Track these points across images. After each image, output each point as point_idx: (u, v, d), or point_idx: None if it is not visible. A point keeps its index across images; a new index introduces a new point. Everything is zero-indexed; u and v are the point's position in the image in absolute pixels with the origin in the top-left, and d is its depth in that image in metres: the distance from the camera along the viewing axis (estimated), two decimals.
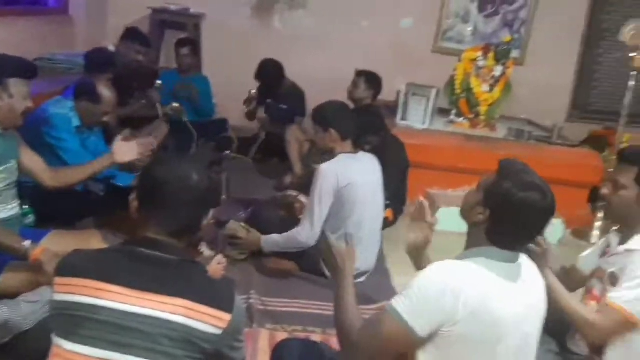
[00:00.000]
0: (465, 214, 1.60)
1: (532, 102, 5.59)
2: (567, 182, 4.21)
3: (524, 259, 1.58)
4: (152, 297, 1.30)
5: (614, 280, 1.93)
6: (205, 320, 1.32)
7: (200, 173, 1.47)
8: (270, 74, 4.83)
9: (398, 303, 1.45)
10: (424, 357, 1.46)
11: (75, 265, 1.36)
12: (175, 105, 4.54)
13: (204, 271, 1.47)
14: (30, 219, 2.70)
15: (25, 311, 1.73)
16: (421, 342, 1.44)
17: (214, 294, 1.37)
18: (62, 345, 1.30)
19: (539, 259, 1.95)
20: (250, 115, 5.07)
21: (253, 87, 4.98)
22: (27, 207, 2.67)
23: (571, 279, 2.20)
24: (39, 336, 1.61)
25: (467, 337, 1.41)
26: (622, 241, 1.97)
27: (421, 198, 2.02)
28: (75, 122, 2.99)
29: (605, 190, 1.99)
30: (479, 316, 1.40)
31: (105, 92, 2.99)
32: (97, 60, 3.65)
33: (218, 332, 1.33)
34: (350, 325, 1.58)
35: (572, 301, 1.95)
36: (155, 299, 1.30)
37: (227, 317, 1.35)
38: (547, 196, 1.47)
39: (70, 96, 3.02)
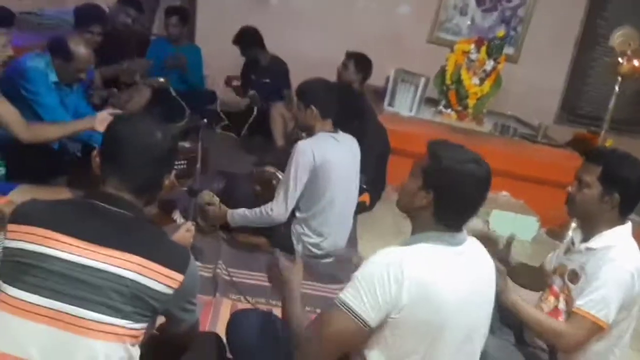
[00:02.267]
0: (406, 203, 1.58)
1: (522, 100, 5.61)
2: (546, 181, 4.25)
3: (470, 242, 1.58)
4: (104, 251, 1.30)
5: (573, 277, 1.95)
6: (158, 278, 1.32)
7: (164, 132, 1.46)
8: (247, 40, 4.82)
9: (346, 295, 1.44)
10: (371, 350, 1.46)
11: (28, 213, 1.35)
12: (161, 79, 4.49)
13: (159, 231, 1.46)
14: (1, 171, 2.68)
15: None
16: (370, 333, 1.44)
17: (168, 254, 1.37)
18: (7, 291, 1.29)
19: (500, 276, 1.95)
20: (239, 94, 5.04)
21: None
22: None
23: (537, 279, 2.21)
24: None
25: (410, 325, 1.41)
26: (584, 239, 1.99)
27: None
28: (52, 77, 2.94)
29: (569, 188, 2.01)
30: (422, 302, 1.40)
31: (79, 49, 2.92)
32: (85, 15, 3.61)
33: (169, 291, 1.33)
34: (297, 326, 1.58)
35: (539, 315, 1.95)
36: (108, 252, 1.29)
37: (179, 277, 1.34)
38: (482, 165, 1.50)
39: (48, 51, 2.97)
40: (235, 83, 4.97)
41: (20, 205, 1.38)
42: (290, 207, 2.85)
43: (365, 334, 1.44)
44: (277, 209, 2.85)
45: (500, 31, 5.25)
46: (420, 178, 1.53)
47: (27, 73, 2.84)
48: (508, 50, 5.35)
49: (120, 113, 2.73)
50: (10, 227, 1.34)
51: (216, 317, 2.40)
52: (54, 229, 1.30)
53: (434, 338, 1.44)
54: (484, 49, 4.79)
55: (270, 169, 3.49)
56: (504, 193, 4.38)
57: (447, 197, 1.49)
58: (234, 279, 2.71)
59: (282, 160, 3.57)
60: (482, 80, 4.84)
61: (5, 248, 1.33)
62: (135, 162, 1.41)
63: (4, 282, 1.30)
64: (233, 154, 4.52)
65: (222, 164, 4.06)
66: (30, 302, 1.27)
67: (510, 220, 4.01)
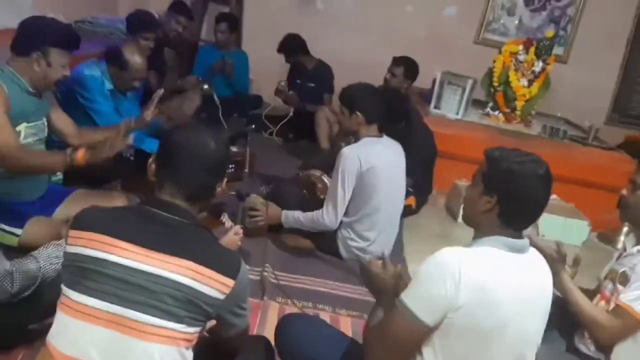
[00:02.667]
0: (470, 210, 1.60)
1: (571, 101, 5.48)
2: (596, 184, 4.15)
3: (533, 251, 1.57)
4: (160, 257, 1.34)
5: (624, 279, 1.92)
6: (210, 284, 1.35)
7: (218, 142, 1.49)
8: (291, 48, 4.86)
9: (405, 294, 1.45)
10: (427, 351, 1.46)
11: (88, 220, 1.40)
12: (205, 86, 4.59)
13: (212, 237, 1.50)
14: (59, 176, 2.78)
15: (53, 254, 1.78)
16: (428, 333, 1.44)
17: (220, 260, 1.40)
18: (70, 295, 1.34)
19: (556, 261, 1.96)
20: (280, 94, 5.09)
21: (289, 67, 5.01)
22: None
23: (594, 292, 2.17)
24: (53, 288, 1.66)
25: (466, 326, 1.41)
26: (637, 243, 1.96)
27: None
28: (108, 85, 3.04)
29: (623, 191, 1.97)
30: (480, 304, 1.40)
31: (134, 58, 3.00)
32: (138, 21, 3.68)
33: (221, 296, 1.37)
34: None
35: (585, 303, 1.95)
36: (164, 258, 1.34)
37: (230, 282, 1.37)
38: (542, 164, 1.50)
39: (104, 60, 3.07)
40: (281, 86, 4.98)
41: (81, 213, 1.43)
42: (341, 214, 2.87)
43: (424, 333, 1.44)
44: (328, 218, 2.87)
45: (549, 31, 5.15)
46: (481, 184, 1.54)
47: (84, 81, 2.94)
48: (557, 50, 5.24)
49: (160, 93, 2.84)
50: (72, 233, 1.39)
51: (264, 320, 2.43)
52: (113, 235, 1.35)
53: (488, 342, 1.44)
54: (532, 49, 4.71)
55: (316, 172, 3.52)
56: (554, 196, 4.28)
57: (511, 198, 1.49)
58: (280, 282, 2.74)
59: (328, 163, 3.60)
60: (530, 82, 4.75)
61: (66, 253, 1.39)
62: (189, 170, 1.45)
63: (66, 286, 1.36)
64: (279, 158, 4.56)
65: (269, 168, 4.10)
66: (90, 306, 1.32)
67: (560, 224, 3.93)
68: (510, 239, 1.50)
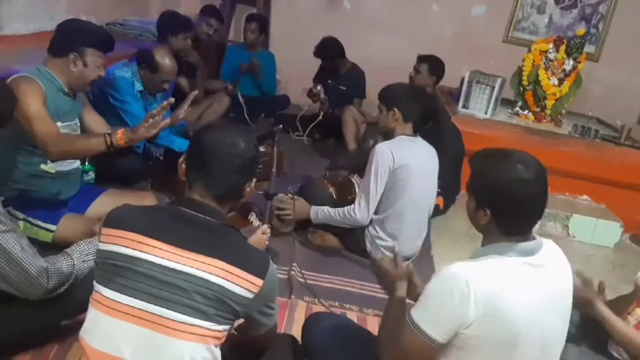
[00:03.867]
0: (472, 222, 1.56)
1: (603, 100, 5.38)
2: (629, 184, 4.07)
3: (548, 249, 1.52)
4: (191, 256, 1.36)
5: None
6: (239, 283, 1.37)
7: (247, 142, 1.51)
8: (329, 52, 4.84)
9: (415, 311, 1.44)
10: None
11: (121, 218, 1.43)
12: (230, 86, 4.66)
13: (241, 237, 1.51)
14: (91, 175, 2.84)
15: (85, 266, 1.82)
16: (441, 349, 1.42)
17: (249, 259, 1.41)
18: (102, 292, 1.37)
19: (586, 292, 1.89)
20: (313, 97, 5.09)
21: (318, 66, 5.00)
22: (88, 164, 2.81)
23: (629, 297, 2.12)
24: (86, 285, 1.70)
25: (483, 339, 1.39)
26: None
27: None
28: (138, 86, 3.10)
29: None
30: (491, 317, 1.36)
31: (164, 61, 3.05)
32: (170, 22, 3.69)
33: (250, 295, 1.38)
34: (383, 340, 1.59)
35: (626, 329, 1.88)
36: (194, 257, 1.35)
37: (259, 282, 1.39)
38: (529, 165, 1.44)
39: (135, 61, 3.12)
40: (317, 90, 4.94)
41: (114, 211, 1.46)
42: (373, 209, 2.88)
43: (436, 350, 1.42)
44: (359, 212, 2.88)
45: (580, 29, 5.05)
46: (473, 198, 1.51)
47: (115, 82, 3.00)
48: (588, 48, 5.15)
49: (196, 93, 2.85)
50: (105, 231, 1.42)
51: (291, 318, 2.44)
52: (145, 233, 1.37)
53: (508, 354, 1.41)
54: (563, 48, 4.63)
55: (343, 172, 3.53)
56: (585, 197, 4.23)
57: (503, 210, 1.45)
58: (308, 281, 2.75)
59: (355, 163, 3.60)
60: (561, 81, 4.68)
61: (99, 251, 1.42)
62: (219, 170, 1.47)
63: (99, 283, 1.39)
64: (306, 158, 4.57)
65: (296, 168, 4.12)
66: (122, 303, 1.34)
67: (591, 225, 3.87)
68: (517, 244, 1.46)
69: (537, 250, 1.48)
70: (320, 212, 3.02)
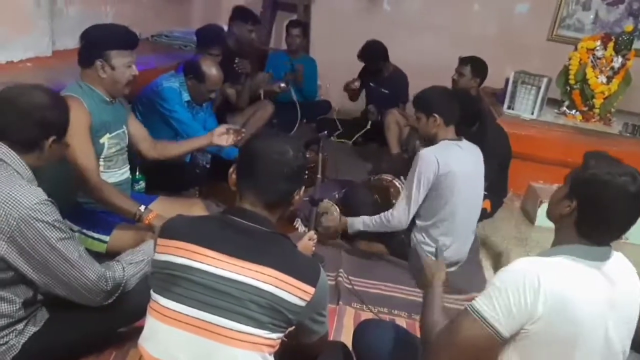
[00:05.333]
0: (552, 209, 1.55)
1: None
2: None
3: (618, 258, 1.51)
4: (244, 264, 1.37)
5: None
6: (292, 291, 1.38)
7: (296, 150, 1.52)
8: (373, 55, 4.80)
9: (479, 303, 1.42)
10: None
11: (175, 229, 1.45)
12: (282, 84, 4.66)
13: (292, 245, 1.52)
14: (141, 185, 2.90)
15: (131, 272, 1.87)
16: (503, 344, 1.41)
17: (301, 267, 1.42)
18: (159, 301, 1.40)
19: None
20: (354, 97, 5.08)
21: (358, 69, 5.00)
22: (139, 174, 2.87)
23: None
24: (139, 294, 1.74)
25: (546, 337, 1.37)
26: None
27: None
28: (185, 96, 3.16)
29: None
30: (558, 315, 1.35)
31: (211, 70, 3.10)
32: (206, 36, 3.78)
33: (302, 303, 1.39)
34: (429, 331, 1.56)
35: None
36: (247, 266, 1.37)
37: (311, 290, 1.40)
38: (637, 180, 1.40)
39: (181, 72, 3.18)
40: (355, 86, 4.94)
41: (169, 222, 1.49)
42: (412, 214, 2.85)
43: (498, 343, 1.41)
44: (397, 215, 2.86)
45: (628, 25, 4.89)
46: (568, 186, 1.49)
47: (164, 92, 3.07)
48: (637, 45, 4.98)
49: (237, 128, 2.86)
50: (160, 241, 1.45)
51: (340, 325, 2.44)
52: (199, 243, 1.39)
53: (570, 355, 1.39)
54: (611, 45, 4.49)
55: (387, 177, 3.51)
56: None
57: (590, 207, 1.44)
58: (355, 287, 2.75)
59: (398, 167, 3.58)
60: (609, 79, 4.54)
61: (155, 261, 1.45)
62: (269, 178, 1.48)
63: (156, 292, 1.42)
64: (349, 162, 4.57)
65: (340, 173, 4.13)
66: (178, 312, 1.37)
67: None
68: (589, 247, 1.44)
69: (607, 257, 1.47)
70: (356, 222, 2.99)
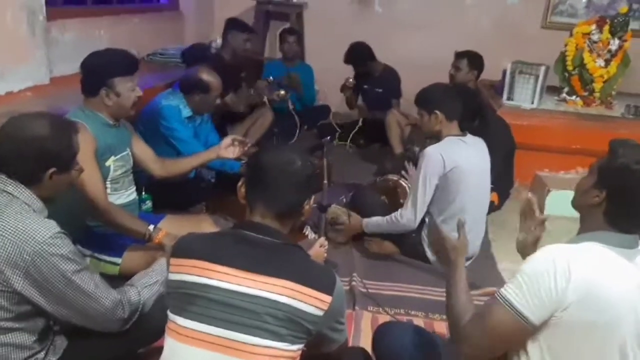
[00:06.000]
0: (578, 199, 1.54)
1: None
2: None
3: None
4: (258, 278, 1.37)
5: None
6: (308, 301, 1.37)
7: (303, 159, 1.53)
8: (358, 56, 4.83)
9: (508, 291, 1.40)
10: (533, 349, 1.42)
11: (187, 247, 1.45)
12: (282, 92, 4.68)
13: (306, 254, 1.52)
14: (148, 204, 2.91)
15: (146, 295, 1.86)
16: (533, 332, 1.40)
17: (316, 277, 1.42)
18: (176, 321, 1.40)
19: None
20: (351, 104, 5.10)
21: (353, 74, 5.01)
22: (145, 194, 2.88)
23: None
24: (156, 315, 1.74)
25: (577, 324, 1.36)
26: None
27: (529, 194, 1.94)
28: (186, 113, 3.18)
29: None
30: (589, 301, 1.34)
31: (212, 78, 3.15)
32: (191, 55, 3.89)
33: (320, 313, 1.39)
34: (458, 316, 1.55)
35: None
36: (262, 279, 1.37)
37: (328, 299, 1.39)
38: None
39: (178, 88, 3.20)
40: (350, 83, 4.94)
41: (181, 240, 1.49)
42: (420, 213, 2.85)
43: (528, 331, 1.40)
44: (406, 216, 2.86)
45: (623, 7, 4.88)
46: (596, 175, 1.48)
47: (163, 111, 3.09)
48: (633, 25, 4.96)
49: (242, 139, 2.86)
50: (173, 261, 1.45)
51: (358, 330, 2.43)
52: (213, 260, 1.39)
53: (601, 341, 1.38)
54: (606, 28, 4.48)
55: (393, 177, 3.51)
56: None
57: (620, 197, 1.43)
58: (370, 290, 2.74)
59: (402, 167, 3.58)
60: (607, 62, 4.53)
61: (170, 281, 1.45)
62: (278, 189, 1.49)
63: (172, 312, 1.42)
64: (353, 165, 4.57)
65: (345, 176, 4.13)
66: (197, 330, 1.37)
67: None
68: (618, 234, 1.44)
69: (636, 245, 1.46)
70: (370, 223, 3.02)
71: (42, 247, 1.53)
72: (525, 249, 1.92)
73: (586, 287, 1.34)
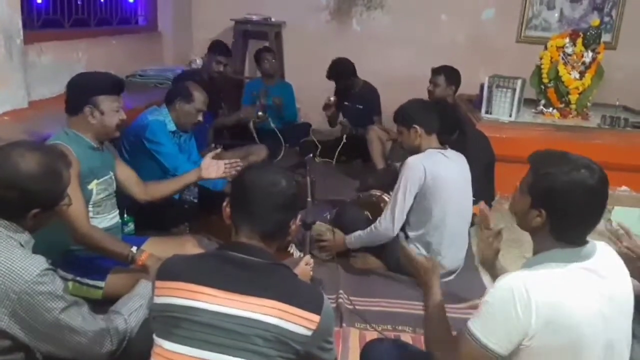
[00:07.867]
0: (522, 222, 1.52)
1: (628, 86, 5.31)
2: None
3: (602, 250, 1.49)
4: (245, 299, 1.36)
5: None
6: (296, 321, 1.36)
7: (288, 179, 1.53)
8: (341, 72, 4.86)
9: (474, 324, 1.41)
10: None
11: (172, 270, 1.44)
12: (260, 113, 4.71)
13: (293, 274, 1.52)
14: (130, 227, 2.87)
15: (133, 322, 1.83)
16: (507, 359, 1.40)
17: (304, 296, 1.41)
18: (162, 345, 1.38)
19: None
20: (332, 122, 5.12)
21: (333, 90, 5.04)
22: (127, 216, 2.85)
23: None
24: (142, 339, 1.71)
25: (547, 349, 1.36)
26: None
27: (482, 205, 1.96)
28: (171, 127, 3.20)
29: None
30: (554, 325, 1.34)
31: (197, 90, 3.20)
32: (182, 78, 3.87)
33: (308, 333, 1.37)
34: (433, 347, 1.56)
35: None
36: (249, 300, 1.36)
37: (316, 318, 1.38)
38: (594, 170, 1.40)
39: (164, 106, 3.21)
40: (331, 101, 4.96)
41: (165, 263, 1.48)
42: (399, 221, 2.86)
43: None
44: (384, 223, 2.88)
45: (595, 20, 4.99)
46: (529, 196, 1.47)
47: (149, 126, 3.10)
48: (605, 37, 5.09)
49: (218, 152, 2.89)
50: (159, 284, 1.43)
51: (346, 347, 2.42)
52: (198, 282, 1.38)
53: (576, 358, 1.38)
54: (579, 41, 4.59)
55: (376, 192, 3.52)
56: (624, 188, 4.15)
57: (561, 214, 1.42)
58: (357, 307, 2.73)
59: (385, 181, 3.59)
60: (582, 74, 4.63)
61: (155, 304, 1.43)
62: (263, 210, 1.48)
63: (158, 336, 1.40)
64: (337, 182, 4.57)
65: (328, 193, 4.11)
66: (183, 354, 1.35)
67: (635, 215, 3.78)
68: (573, 250, 1.43)
69: (592, 254, 1.45)
70: (353, 238, 3.03)
71: (29, 285, 1.48)
72: (487, 262, 1.93)
73: (548, 312, 1.33)
